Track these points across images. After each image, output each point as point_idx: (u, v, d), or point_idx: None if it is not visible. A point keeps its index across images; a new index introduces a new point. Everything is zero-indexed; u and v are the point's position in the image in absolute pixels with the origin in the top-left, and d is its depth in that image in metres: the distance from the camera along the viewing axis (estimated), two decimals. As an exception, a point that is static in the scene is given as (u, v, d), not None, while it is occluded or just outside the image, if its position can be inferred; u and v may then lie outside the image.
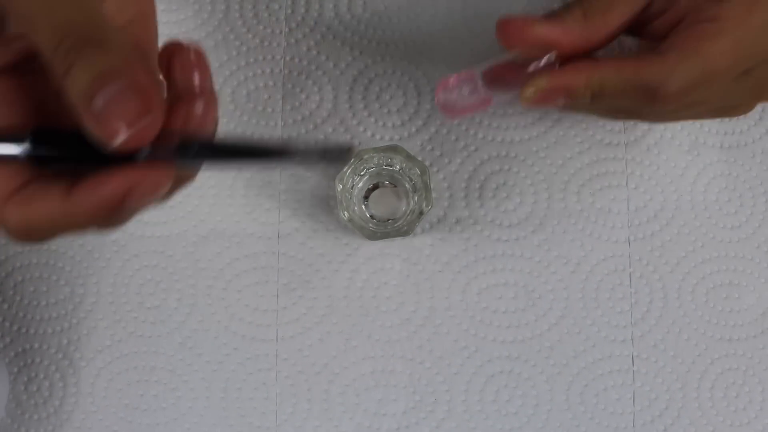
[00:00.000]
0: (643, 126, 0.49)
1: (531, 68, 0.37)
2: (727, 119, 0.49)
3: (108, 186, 0.27)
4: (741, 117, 0.49)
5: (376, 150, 0.44)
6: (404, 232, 0.44)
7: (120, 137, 0.26)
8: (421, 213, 0.44)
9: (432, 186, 0.45)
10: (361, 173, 0.47)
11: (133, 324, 0.48)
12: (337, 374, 0.48)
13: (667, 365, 0.48)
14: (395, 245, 0.48)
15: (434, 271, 0.48)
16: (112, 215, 0.28)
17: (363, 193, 0.48)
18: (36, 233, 0.29)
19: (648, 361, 0.48)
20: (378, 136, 0.49)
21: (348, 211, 0.45)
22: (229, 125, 0.49)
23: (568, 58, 0.37)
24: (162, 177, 0.28)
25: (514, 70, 0.38)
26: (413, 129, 0.49)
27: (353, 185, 0.46)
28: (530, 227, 0.48)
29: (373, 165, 0.46)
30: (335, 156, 0.29)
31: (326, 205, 0.49)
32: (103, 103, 0.26)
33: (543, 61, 0.37)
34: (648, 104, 0.36)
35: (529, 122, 0.49)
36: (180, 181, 0.30)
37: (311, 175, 0.49)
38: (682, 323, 0.48)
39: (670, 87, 0.35)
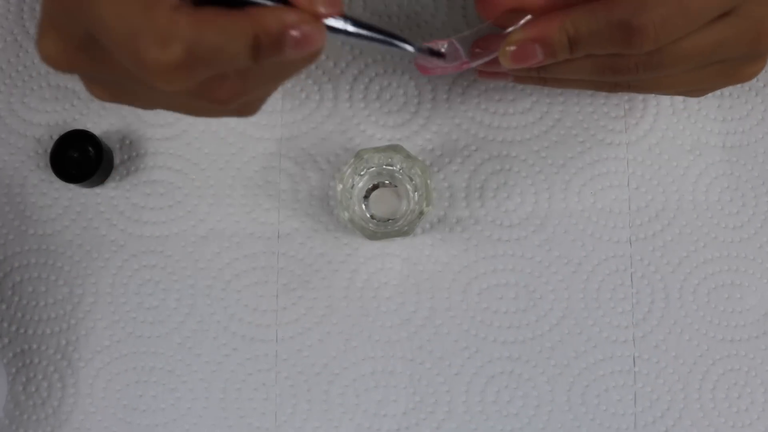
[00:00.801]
0: (644, 126, 0.49)
1: (508, 31, 0.38)
2: (729, 118, 0.49)
3: (286, 15, 0.30)
4: (743, 116, 0.49)
5: (376, 150, 0.44)
6: (404, 232, 0.44)
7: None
8: (421, 213, 0.44)
9: (432, 186, 0.45)
10: (361, 173, 0.47)
11: (132, 324, 0.48)
12: (337, 375, 0.48)
13: (668, 366, 0.48)
14: (395, 245, 0.48)
15: (434, 271, 0.48)
16: (270, 51, 0.30)
17: (363, 193, 0.48)
18: (197, 56, 0.29)
19: (649, 361, 0.48)
20: (378, 136, 0.49)
21: (348, 211, 0.44)
22: (229, 123, 0.49)
23: None
24: (321, 30, 0.31)
25: (492, 38, 0.39)
26: (413, 129, 0.49)
27: (353, 185, 0.46)
28: (531, 227, 0.48)
29: (373, 165, 0.46)
30: (436, 54, 0.39)
31: (326, 205, 0.48)
32: None
33: (519, 25, 0.38)
34: (626, 44, 0.36)
35: (530, 122, 0.49)
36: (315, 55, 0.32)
37: (311, 175, 0.49)
38: (683, 324, 0.48)
39: (643, 19, 0.35)
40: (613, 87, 0.42)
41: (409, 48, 0.37)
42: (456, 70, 0.40)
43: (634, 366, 0.48)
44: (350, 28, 0.33)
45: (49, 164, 0.48)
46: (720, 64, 0.39)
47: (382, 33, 0.35)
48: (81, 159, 0.47)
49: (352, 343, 0.48)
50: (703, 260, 0.48)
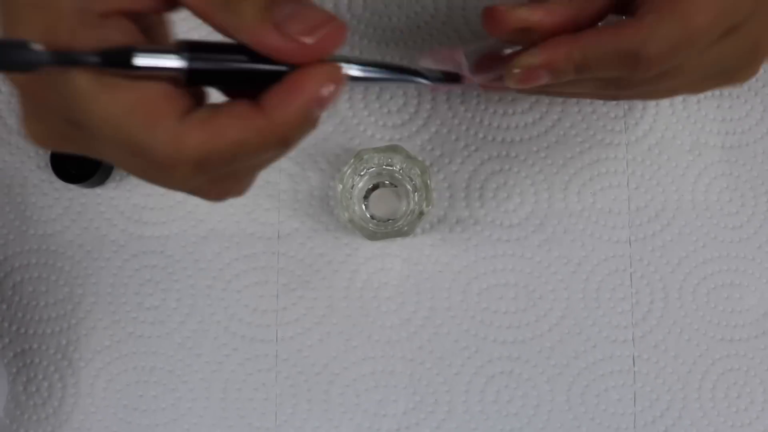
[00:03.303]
0: (644, 126, 0.49)
1: (511, 51, 0.38)
2: (729, 119, 0.49)
3: (305, 90, 0.27)
4: (742, 116, 0.49)
5: (376, 150, 0.44)
6: (404, 232, 0.44)
7: (307, 42, 0.27)
8: (421, 213, 0.44)
9: (432, 186, 0.45)
10: (361, 173, 0.47)
11: (132, 324, 0.48)
12: (337, 375, 0.48)
13: (668, 366, 0.48)
14: (395, 245, 0.48)
15: (434, 271, 0.48)
16: (303, 127, 0.28)
17: (363, 193, 0.48)
18: (212, 162, 0.27)
19: (649, 361, 0.48)
20: (378, 136, 0.49)
21: (348, 211, 0.44)
22: (228, 125, 0.49)
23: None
24: (340, 74, 0.28)
25: (498, 56, 0.39)
26: (413, 129, 0.49)
27: (353, 185, 0.46)
28: (531, 227, 0.48)
29: (373, 165, 0.46)
30: (452, 78, 0.38)
31: (326, 205, 0.49)
32: (282, 17, 0.27)
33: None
34: (632, 70, 0.36)
35: (530, 122, 0.49)
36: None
37: (311, 175, 0.49)
38: (683, 323, 0.48)
39: (651, 49, 0.35)
40: (613, 98, 0.43)
41: (424, 81, 0.36)
42: (460, 84, 0.40)
43: (634, 366, 0.48)
44: (358, 73, 0.31)
45: (49, 164, 0.48)
46: (717, 73, 0.39)
47: (394, 70, 0.34)
48: (81, 159, 0.47)
49: (352, 343, 0.48)
50: (702, 260, 0.48)
